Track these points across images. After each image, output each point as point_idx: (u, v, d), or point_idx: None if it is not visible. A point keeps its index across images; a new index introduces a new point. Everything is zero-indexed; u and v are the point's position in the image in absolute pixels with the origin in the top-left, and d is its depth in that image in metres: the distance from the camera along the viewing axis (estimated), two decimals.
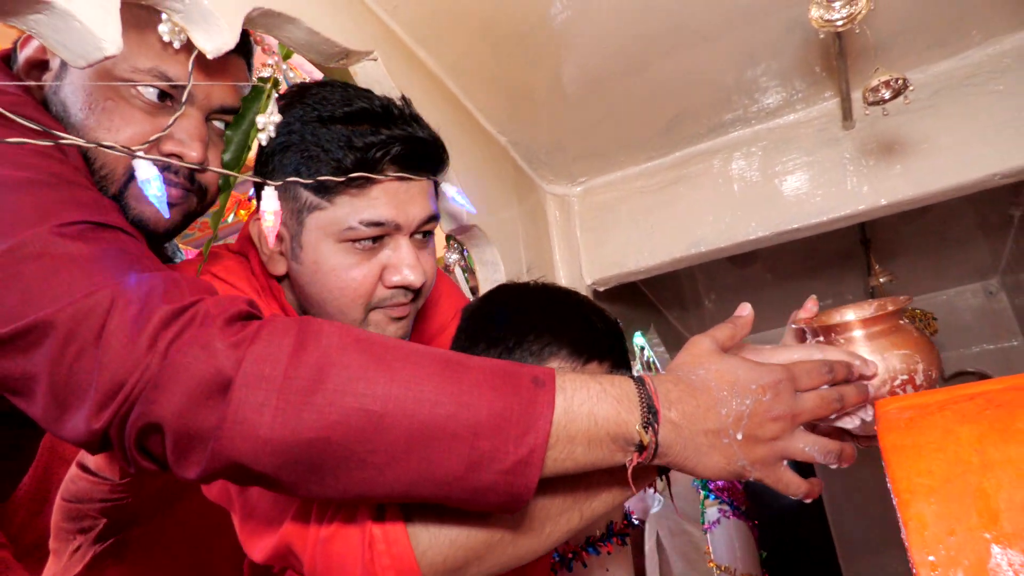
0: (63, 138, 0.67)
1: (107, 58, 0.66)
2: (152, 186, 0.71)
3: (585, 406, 0.61)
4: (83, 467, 1.01)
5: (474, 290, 1.44)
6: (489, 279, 1.39)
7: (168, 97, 0.83)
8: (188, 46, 0.81)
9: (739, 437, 0.63)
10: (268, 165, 0.86)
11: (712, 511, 2.62)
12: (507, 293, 1.02)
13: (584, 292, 1.71)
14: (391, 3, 1.15)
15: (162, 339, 0.56)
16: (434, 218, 0.92)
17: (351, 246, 0.85)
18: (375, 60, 1.10)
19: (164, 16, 0.77)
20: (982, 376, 2.57)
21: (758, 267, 2.50)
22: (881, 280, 2.07)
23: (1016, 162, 1.32)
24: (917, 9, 1.27)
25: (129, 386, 0.55)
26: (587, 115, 1.50)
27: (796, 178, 1.53)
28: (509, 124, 1.51)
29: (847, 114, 1.42)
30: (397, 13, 1.17)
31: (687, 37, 1.29)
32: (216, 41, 0.79)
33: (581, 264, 1.74)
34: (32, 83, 0.84)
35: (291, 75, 0.99)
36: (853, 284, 2.55)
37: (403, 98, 0.90)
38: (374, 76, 1.11)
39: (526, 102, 1.45)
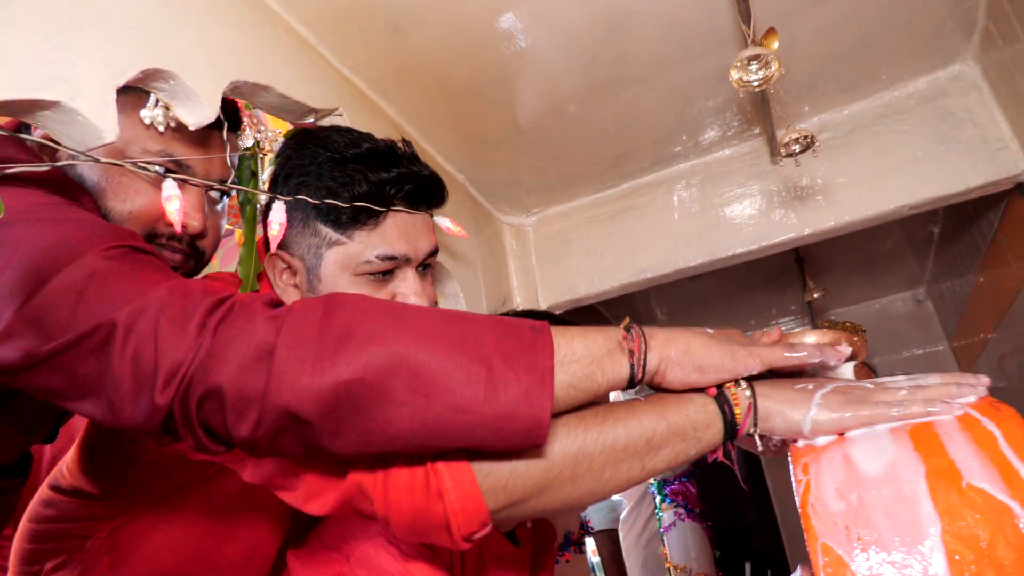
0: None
1: (104, 144, 0.75)
2: (173, 202, 0.80)
3: (579, 338, 0.70)
4: (57, 488, 1.00)
5: None
6: (446, 305, 1.49)
7: (172, 172, 0.91)
8: (182, 126, 0.90)
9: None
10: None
11: (668, 515, 2.75)
12: None
13: None
14: (354, 62, 1.24)
15: (210, 322, 0.65)
16: (436, 251, 1.01)
17: (365, 279, 0.92)
18: (340, 115, 1.19)
19: (149, 101, 0.86)
20: None
21: (706, 282, 2.64)
22: (815, 295, 2.23)
23: (922, 195, 1.47)
24: (832, 57, 1.42)
25: (187, 364, 0.63)
26: (539, 153, 1.62)
27: (731, 208, 1.67)
28: (466, 163, 1.62)
29: (774, 151, 1.56)
30: (360, 71, 1.26)
31: (628, 82, 1.42)
32: (198, 115, 0.88)
33: (537, 290, 1.85)
34: (51, 164, 0.91)
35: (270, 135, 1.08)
36: (792, 297, 2.72)
37: (404, 140, 0.99)
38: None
39: (481, 144, 1.55)
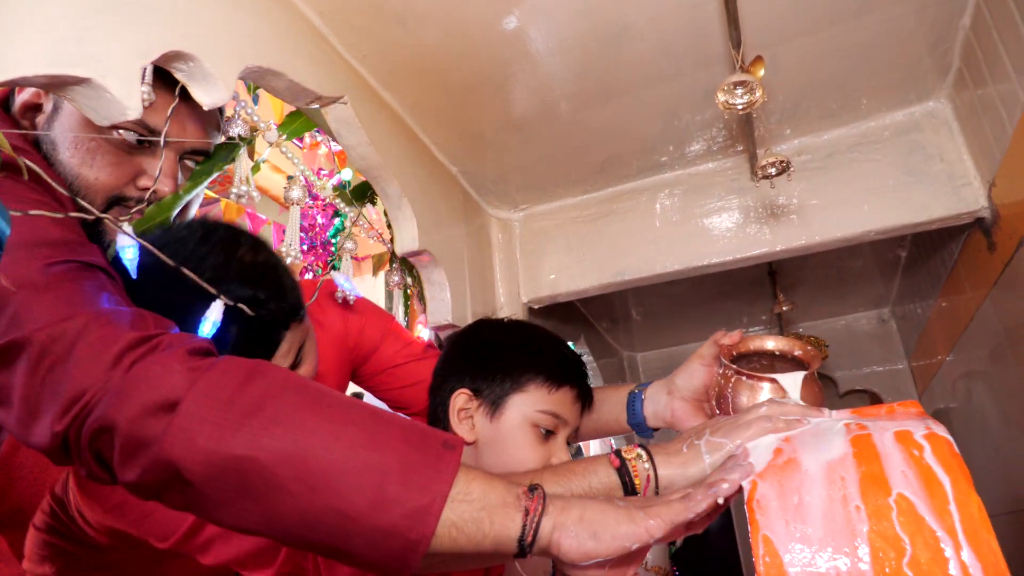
0: (78, 209, 0.78)
1: (127, 119, 0.80)
2: (128, 252, 0.84)
3: (480, 480, 0.67)
4: (62, 505, 0.99)
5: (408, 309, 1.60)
6: (436, 297, 1.55)
7: (146, 140, 0.96)
8: (164, 98, 0.95)
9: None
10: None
11: None
12: (490, 327, 1.19)
13: (520, 309, 1.89)
14: (361, 52, 1.29)
15: (127, 358, 0.64)
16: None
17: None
18: (345, 103, 1.24)
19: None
20: (872, 395, 2.87)
21: (682, 287, 2.71)
22: (784, 308, 2.32)
23: (889, 222, 1.56)
24: (814, 85, 1.50)
25: (90, 394, 0.62)
26: (530, 153, 1.68)
27: (710, 220, 1.75)
28: (460, 157, 1.67)
29: (754, 170, 1.64)
30: (366, 61, 1.31)
31: (620, 92, 1.48)
32: (213, 96, 0.93)
33: (519, 284, 1.91)
34: (30, 132, 0.95)
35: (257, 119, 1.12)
36: (762, 308, 2.81)
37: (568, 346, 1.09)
38: (344, 116, 1.25)
39: (476, 139, 1.61)
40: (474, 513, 0.65)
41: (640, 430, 1.16)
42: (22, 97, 0.96)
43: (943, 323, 2.16)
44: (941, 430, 0.80)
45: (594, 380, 2.76)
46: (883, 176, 1.58)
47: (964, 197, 1.50)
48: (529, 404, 1.04)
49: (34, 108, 0.97)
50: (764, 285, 2.51)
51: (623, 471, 0.78)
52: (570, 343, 2.56)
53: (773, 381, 0.96)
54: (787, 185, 1.65)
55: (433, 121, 1.52)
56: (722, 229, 1.73)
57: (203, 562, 0.83)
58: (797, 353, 1.04)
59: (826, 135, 1.65)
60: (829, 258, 2.37)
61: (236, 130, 0.98)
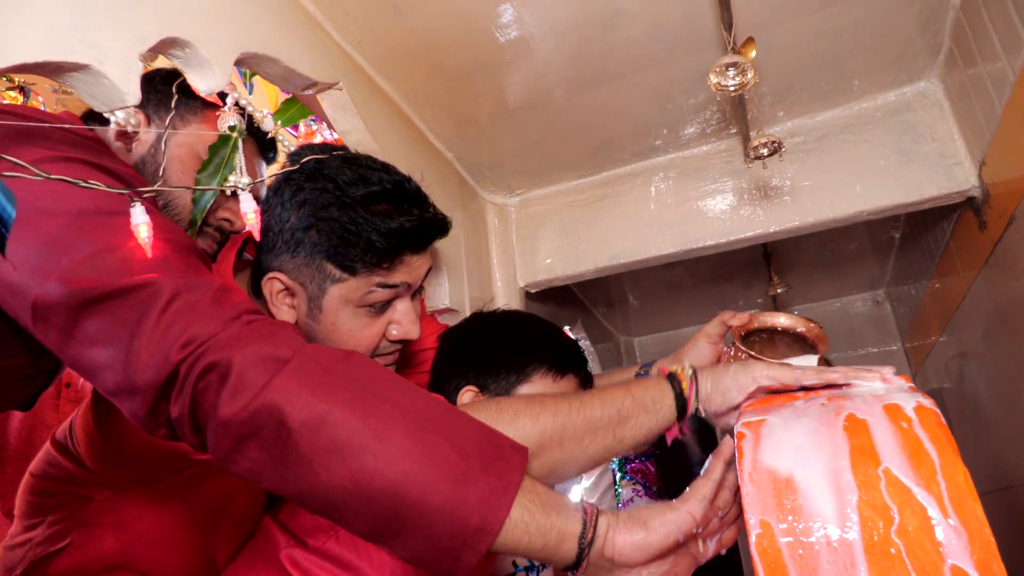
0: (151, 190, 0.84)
1: (126, 107, 0.81)
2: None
3: (541, 482, 0.75)
4: (63, 450, 1.02)
5: None
6: (433, 282, 1.56)
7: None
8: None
9: None
10: (292, 239, 0.96)
11: (627, 491, 2.88)
12: (486, 321, 1.19)
13: (517, 293, 1.90)
14: (356, 39, 1.30)
15: (246, 318, 0.73)
16: (430, 270, 1.06)
17: (367, 310, 0.97)
18: (340, 90, 1.25)
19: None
20: None
21: (678, 271, 2.74)
22: (779, 290, 2.34)
23: (880, 202, 1.58)
24: (806, 67, 1.51)
25: (212, 337, 0.69)
26: (524, 138, 1.69)
27: (704, 202, 1.76)
28: (455, 142, 1.68)
29: (747, 152, 1.65)
30: (361, 48, 1.32)
31: (613, 76, 1.49)
32: (210, 83, 0.93)
33: (516, 268, 1.93)
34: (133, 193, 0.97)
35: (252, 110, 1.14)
36: (758, 291, 2.84)
37: (408, 179, 1.02)
38: (339, 102, 1.26)
39: (471, 125, 1.62)
40: (541, 507, 0.71)
41: None
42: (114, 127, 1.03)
43: (936, 303, 2.18)
44: (929, 403, 0.82)
45: (592, 365, 2.79)
46: (875, 156, 1.59)
47: (955, 176, 1.52)
48: (537, 393, 1.05)
49: (126, 135, 1.05)
50: (759, 268, 2.53)
51: (671, 377, 0.87)
52: (567, 327, 2.59)
53: (786, 364, 0.99)
54: (780, 166, 1.66)
55: (428, 107, 1.53)
56: (716, 211, 1.74)
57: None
58: (800, 330, 1.06)
59: (819, 116, 1.66)
60: (824, 240, 2.38)
61: (230, 121, 0.99)
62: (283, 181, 0.99)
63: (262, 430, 0.68)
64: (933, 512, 0.71)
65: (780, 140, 1.20)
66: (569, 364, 1.10)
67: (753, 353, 1.02)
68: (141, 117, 1.08)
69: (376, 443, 0.67)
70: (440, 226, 1.04)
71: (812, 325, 1.05)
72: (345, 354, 0.74)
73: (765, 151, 1.21)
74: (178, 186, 1.03)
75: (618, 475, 2.94)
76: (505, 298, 1.87)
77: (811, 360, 1.02)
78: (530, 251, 1.93)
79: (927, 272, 2.17)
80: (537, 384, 1.06)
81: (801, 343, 1.07)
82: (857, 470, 0.76)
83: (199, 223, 1.05)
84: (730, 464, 0.87)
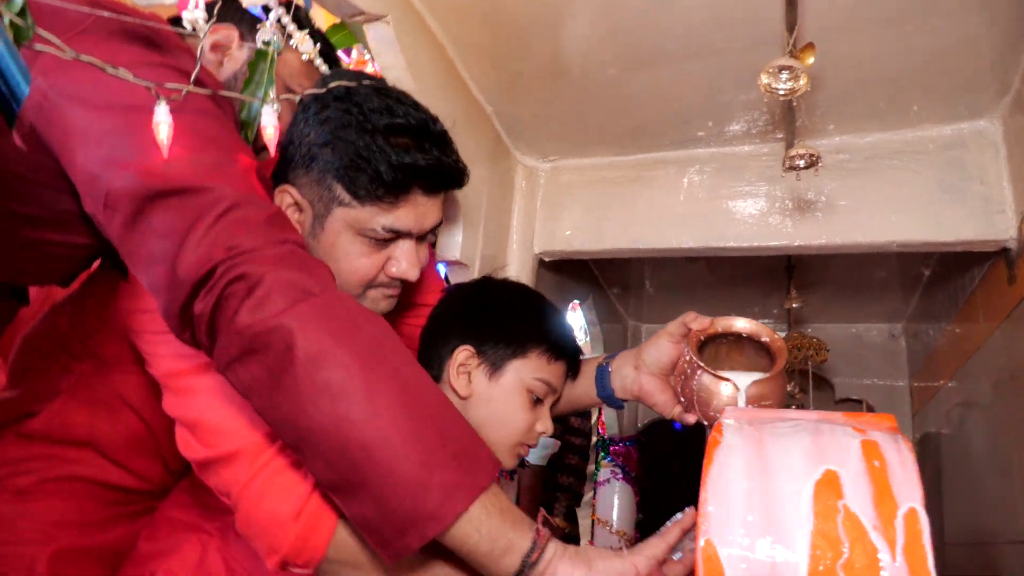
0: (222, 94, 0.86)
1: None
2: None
3: (507, 498, 0.79)
4: (57, 305, 1.07)
5: None
6: (447, 231, 1.56)
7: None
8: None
9: None
10: (308, 154, 0.96)
11: (605, 471, 2.90)
12: (499, 289, 1.20)
13: (531, 259, 1.89)
14: None
15: (291, 246, 0.77)
16: (440, 222, 1.05)
17: (367, 240, 0.97)
18: (387, 23, 1.23)
19: None
20: (866, 407, 2.87)
21: (699, 266, 2.70)
22: (794, 305, 2.30)
23: (911, 236, 1.53)
24: (865, 83, 1.45)
25: (254, 249, 0.73)
26: (566, 105, 1.65)
27: (735, 203, 1.72)
28: (496, 96, 1.65)
29: (784, 160, 1.60)
30: None
31: (665, 59, 1.44)
32: None
33: (535, 234, 1.91)
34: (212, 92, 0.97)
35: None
36: (775, 301, 2.78)
37: (435, 119, 1.01)
38: (384, 36, 1.24)
39: (516, 80, 1.59)
40: (499, 513, 0.75)
41: (610, 402, 1.18)
42: (214, 37, 1.08)
43: (951, 348, 2.14)
44: (906, 448, 0.80)
45: (596, 346, 2.78)
46: (918, 189, 1.54)
47: (995, 224, 1.47)
48: (528, 370, 1.06)
49: (220, 48, 1.09)
50: (780, 278, 2.49)
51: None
52: (577, 302, 2.57)
53: (730, 381, 1.00)
54: (818, 181, 1.61)
55: (475, 55, 1.50)
56: (745, 214, 1.71)
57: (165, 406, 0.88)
58: (764, 339, 1.05)
59: (869, 137, 1.61)
60: (852, 263, 2.33)
61: (267, 36, 0.98)
62: (312, 99, 0.98)
63: (269, 349, 0.71)
64: (883, 556, 0.70)
65: (819, 154, 1.16)
66: (566, 352, 1.11)
67: (702, 364, 1.02)
68: (235, 34, 1.09)
69: (368, 399, 0.71)
70: (456, 174, 1.03)
71: (776, 336, 1.05)
72: (374, 315, 0.79)
73: (801, 163, 1.18)
74: (229, 94, 1.01)
75: (601, 454, 2.96)
76: (519, 262, 1.86)
77: (755, 377, 1.03)
78: (552, 219, 1.91)
79: (949, 315, 2.12)
80: (531, 362, 1.08)
81: (764, 352, 1.07)
82: (819, 499, 0.75)
83: (251, 140, 1.05)
84: (688, 533, 0.91)
